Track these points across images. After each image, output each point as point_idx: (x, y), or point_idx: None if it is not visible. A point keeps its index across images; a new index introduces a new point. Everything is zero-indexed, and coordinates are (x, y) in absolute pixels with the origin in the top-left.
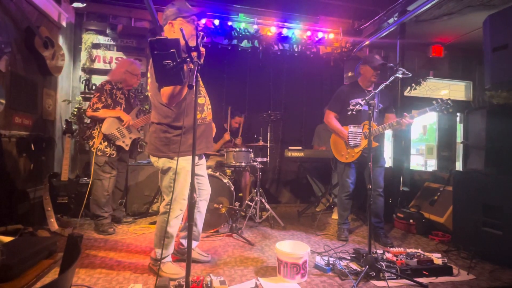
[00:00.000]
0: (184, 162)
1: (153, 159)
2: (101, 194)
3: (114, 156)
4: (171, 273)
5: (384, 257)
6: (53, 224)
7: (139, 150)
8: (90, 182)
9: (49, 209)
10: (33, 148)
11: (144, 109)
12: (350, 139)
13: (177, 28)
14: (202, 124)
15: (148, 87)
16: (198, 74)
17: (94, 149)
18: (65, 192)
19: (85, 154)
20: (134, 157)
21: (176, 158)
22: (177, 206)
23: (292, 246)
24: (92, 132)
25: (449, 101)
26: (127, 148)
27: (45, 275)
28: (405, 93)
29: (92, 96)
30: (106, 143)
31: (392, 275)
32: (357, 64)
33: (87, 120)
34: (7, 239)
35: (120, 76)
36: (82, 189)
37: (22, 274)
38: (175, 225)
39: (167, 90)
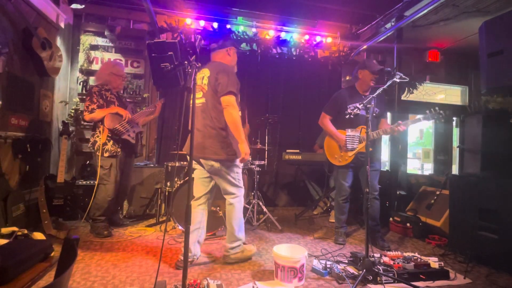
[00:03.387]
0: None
1: (213, 158)
2: (103, 199)
3: (119, 154)
4: (249, 250)
5: (381, 261)
6: (49, 227)
7: (143, 143)
8: (96, 185)
9: (45, 211)
10: (29, 150)
11: (138, 110)
12: (348, 142)
13: (233, 54)
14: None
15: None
16: (195, 76)
17: (99, 151)
18: (61, 194)
19: (81, 156)
20: (140, 152)
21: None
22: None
23: (289, 250)
24: (96, 136)
25: (441, 112)
26: (133, 141)
27: (40, 279)
28: (402, 97)
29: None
30: (112, 142)
31: (389, 279)
32: (355, 68)
33: (83, 122)
34: (1, 241)
35: (104, 78)
36: (78, 191)
37: (17, 277)
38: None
39: (234, 115)
